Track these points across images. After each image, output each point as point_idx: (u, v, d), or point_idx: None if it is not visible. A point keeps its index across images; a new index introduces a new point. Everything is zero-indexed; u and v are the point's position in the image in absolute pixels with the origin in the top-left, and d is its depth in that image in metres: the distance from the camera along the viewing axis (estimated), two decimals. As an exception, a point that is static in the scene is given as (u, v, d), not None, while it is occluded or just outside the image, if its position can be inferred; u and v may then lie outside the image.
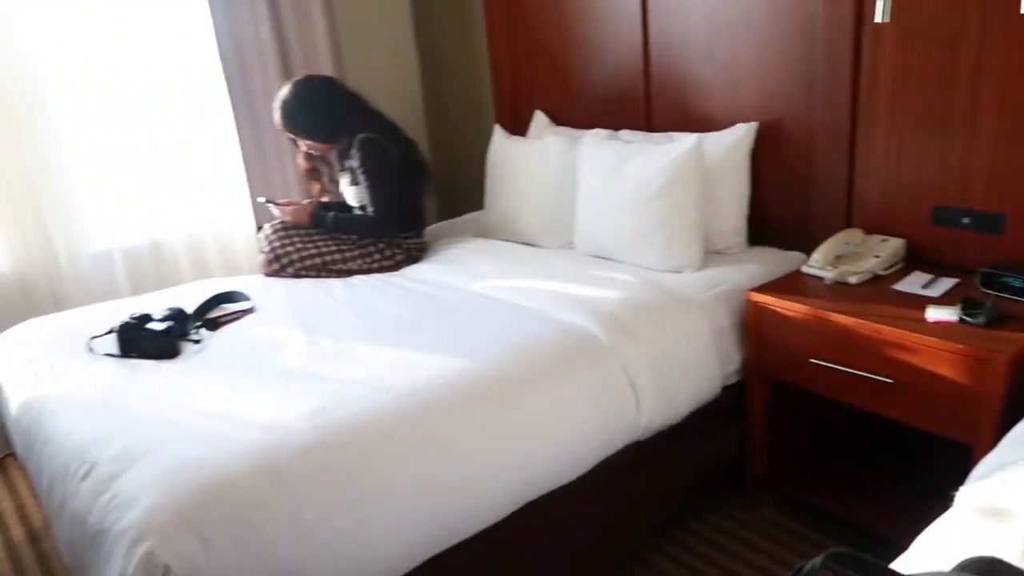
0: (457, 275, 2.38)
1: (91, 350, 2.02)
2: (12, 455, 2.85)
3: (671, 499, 2.11)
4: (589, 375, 1.79)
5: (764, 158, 2.35)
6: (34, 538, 2.37)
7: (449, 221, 3.10)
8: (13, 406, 1.91)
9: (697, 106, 2.50)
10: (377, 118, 2.69)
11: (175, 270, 3.12)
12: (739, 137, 2.32)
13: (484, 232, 2.83)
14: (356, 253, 2.58)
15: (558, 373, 1.76)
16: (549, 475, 1.69)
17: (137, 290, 3.01)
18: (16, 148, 2.70)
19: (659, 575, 1.98)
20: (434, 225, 2.99)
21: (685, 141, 2.27)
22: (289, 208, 2.66)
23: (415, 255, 2.65)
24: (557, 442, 1.70)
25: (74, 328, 2.19)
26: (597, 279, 2.18)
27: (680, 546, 2.07)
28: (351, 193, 2.68)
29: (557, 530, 1.78)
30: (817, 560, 0.67)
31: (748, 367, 2.09)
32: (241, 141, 3.08)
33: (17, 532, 2.41)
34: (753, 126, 2.33)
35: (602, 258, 2.41)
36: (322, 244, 2.57)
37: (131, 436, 1.51)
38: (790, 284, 2.04)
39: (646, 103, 2.65)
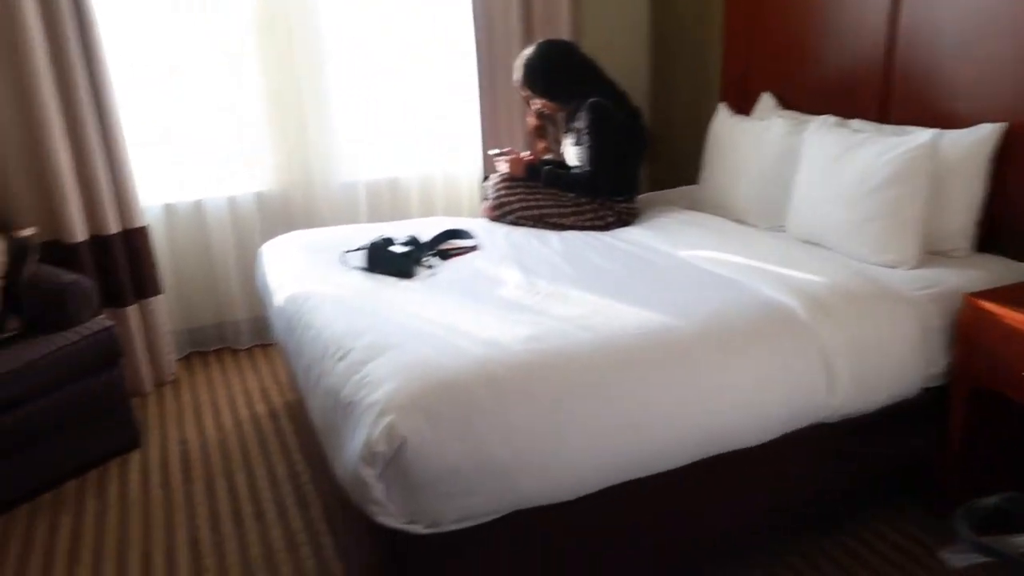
0: (665, 241, 2.49)
1: (343, 262, 2.36)
2: (259, 346, 3.37)
3: (850, 491, 2.12)
4: (784, 348, 1.85)
5: (1009, 162, 2.23)
6: (274, 415, 2.82)
7: (662, 191, 3.20)
8: (278, 298, 2.29)
9: (940, 101, 2.41)
10: (609, 85, 2.84)
11: (406, 205, 3.48)
12: (983, 137, 2.22)
13: (695, 206, 2.91)
14: (571, 210, 2.76)
15: (753, 342, 1.84)
16: (733, 435, 1.79)
17: (373, 218, 3.41)
18: (296, 83, 3.13)
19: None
20: (647, 194, 3.10)
21: (920, 136, 2.21)
22: (509, 157, 2.88)
23: (625, 218, 2.79)
24: (744, 405, 1.79)
25: (328, 242, 2.57)
26: (803, 262, 2.21)
27: (844, 550, 2.05)
28: (572, 153, 2.86)
29: (731, 489, 1.88)
30: (994, 499, 0.74)
31: (955, 372, 2.04)
32: (481, 97, 3.35)
33: (261, 408, 2.87)
34: (1001, 127, 2.22)
35: (813, 243, 2.42)
36: (542, 198, 2.78)
37: (379, 332, 1.79)
38: (1016, 294, 1.96)
39: (883, 94, 2.59)
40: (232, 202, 3.20)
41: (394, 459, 1.48)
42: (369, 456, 1.47)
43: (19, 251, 2.51)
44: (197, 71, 3.05)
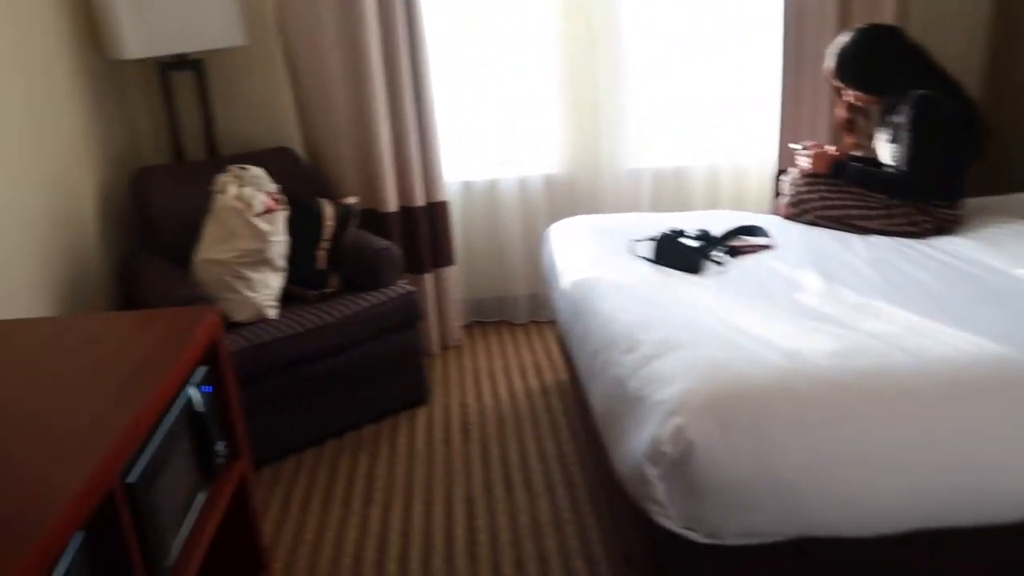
0: (996, 256, 2.17)
1: (630, 250, 2.36)
2: (535, 322, 3.50)
3: None
4: None
5: None
6: (545, 391, 2.92)
7: (994, 197, 2.79)
8: (564, 280, 2.35)
9: None
10: (938, 75, 2.52)
11: (688, 195, 3.39)
12: None
13: (1036, 217, 2.50)
14: (880, 212, 2.51)
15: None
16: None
17: (655, 207, 3.37)
18: (593, 68, 3.17)
19: None
20: (974, 199, 2.73)
21: None
22: (812, 151, 2.67)
23: (945, 226, 2.47)
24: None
25: (615, 229, 2.58)
26: None
27: None
28: (887, 150, 2.58)
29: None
30: None
31: None
32: (783, 84, 3.15)
33: (534, 383, 2.99)
34: None
35: None
36: (847, 197, 2.55)
37: (669, 328, 1.76)
38: None
39: None
40: (523, 183, 3.35)
41: (680, 462, 1.44)
42: (654, 455, 1.45)
43: (344, 217, 2.84)
44: (500, 56, 3.21)
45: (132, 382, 1.35)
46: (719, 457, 1.44)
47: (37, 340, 1.55)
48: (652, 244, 2.30)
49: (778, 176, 3.08)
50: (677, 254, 2.22)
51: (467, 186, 3.37)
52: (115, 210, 2.78)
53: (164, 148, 3.10)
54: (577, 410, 2.61)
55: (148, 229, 2.72)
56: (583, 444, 2.52)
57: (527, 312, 3.52)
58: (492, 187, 3.36)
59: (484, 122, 3.29)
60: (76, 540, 1.07)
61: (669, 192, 3.40)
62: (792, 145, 2.85)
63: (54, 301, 2.30)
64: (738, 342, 1.68)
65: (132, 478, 1.24)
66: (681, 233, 2.30)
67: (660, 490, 1.47)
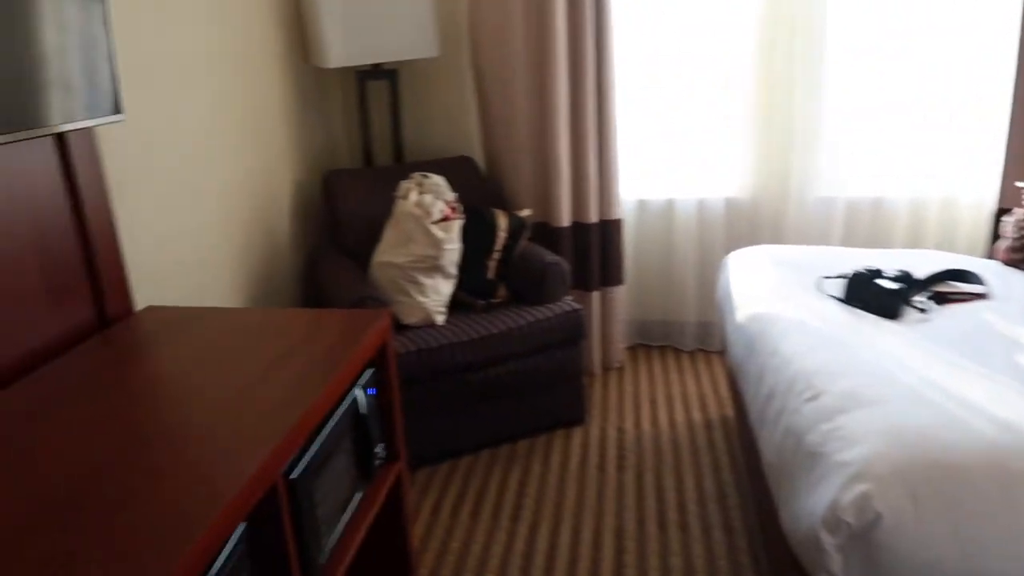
0: None
1: (819, 288, 2.17)
2: (702, 351, 3.34)
3: None
4: None
5: None
6: (708, 425, 2.77)
7: None
8: (741, 314, 2.21)
9: None
10: None
11: (888, 230, 3.10)
12: None
13: None
14: None
15: None
16: None
17: (847, 241, 3.11)
18: (789, 81, 2.98)
19: None
20: None
21: None
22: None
23: None
24: None
25: (801, 262, 2.39)
26: None
27: None
28: None
29: None
30: None
31: None
32: (1013, 109, 2.80)
33: (697, 416, 2.85)
34: None
35: None
36: (1086, 245, 2.22)
37: (858, 378, 1.59)
38: None
39: None
40: (701, 205, 3.21)
41: (862, 534, 1.29)
42: (833, 522, 1.31)
43: (517, 229, 2.85)
44: (689, 70, 3.09)
45: (305, 379, 1.40)
46: (910, 534, 1.27)
47: (228, 329, 1.65)
48: (843, 282, 2.11)
49: (998, 216, 2.74)
50: (872, 296, 2.02)
51: (643, 205, 3.28)
52: (307, 209, 2.96)
53: (355, 153, 3.26)
54: (743, 452, 2.45)
55: (335, 229, 2.87)
56: (747, 489, 2.36)
57: (695, 339, 3.37)
58: (669, 207, 3.25)
59: (666, 139, 3.19)
60: (239, 530, 1.11)
61: (864, 225, 3.13)
62: (1020, 183, 2.52)
63: (247, 290, 2.47)
64: (939, 403, 1.49)
65: (295, 474, 1.27)
66: (878, 273, 2.09)
67: (836, 561, 1.32)
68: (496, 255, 2.75)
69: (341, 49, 2.71)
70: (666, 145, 3.20)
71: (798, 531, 1.41)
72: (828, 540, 1.31)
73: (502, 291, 2.77)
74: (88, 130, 1.65)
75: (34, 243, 1.53)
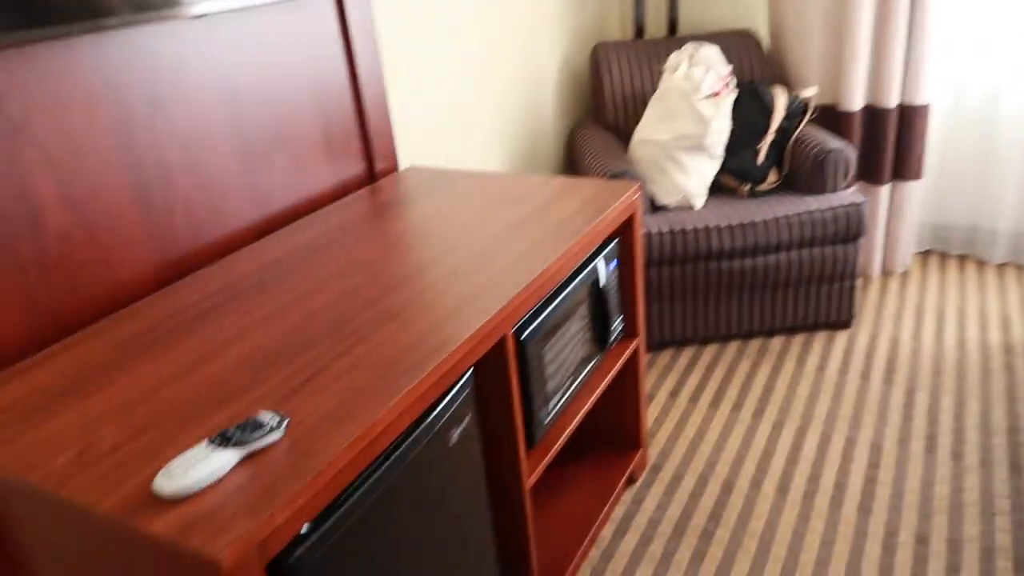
0: None
1: None
2: (1014, 264, 2.84)
3: None
4: None
5: None
6: (1008, 348, 2.37)
7: None
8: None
9: None
10: None
11: None
12: None
13: None
14: None
15: None
16: None
17: None
18: None
19: None
20: None
21: None
22: None
23: None
24: None
25: None
26: None
27: None
28: None
29: None
30: None
31: None
32: None
33: (996, 337, 2.44)
34: None
35: None
36: None
37: None
38: None
39: None
40: (1039, 88, 2.63)
41: None
42: None
43: (796, 109, 2.56)
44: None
45: (545, 243, 1.39)
46: None
47: (479, 191, 1.69)
48: None
49: None
50: None
51: (958, 91, 2.77)
52: (573, 82, 2.91)
53: (627, 24, 3.12)
54: (1049, 382, 2.07)
55: (599, 103, 2.80)
56: (1047, 425, 2.00)
57: (1007, 251, 2.86)
58: (993, 97, 2.71)
59: (1002, 11, 2.63)
60: (466, 375, 1.15)
61: None
62: None
63: (508, 160, 2.52)
64: None
65: (524, 334, 1.29)
66: None
67: None
68: (769, 137, 2.51)
69: (618, -92, 2.54)
70: (1001, 20, 2.63)
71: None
72: None
73: (773, 176, 2.54)
74: (365, -10, 1.73)
75: (315, 99, 1.66)
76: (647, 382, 2.37)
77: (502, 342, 1.21)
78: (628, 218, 1.65)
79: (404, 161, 2.04)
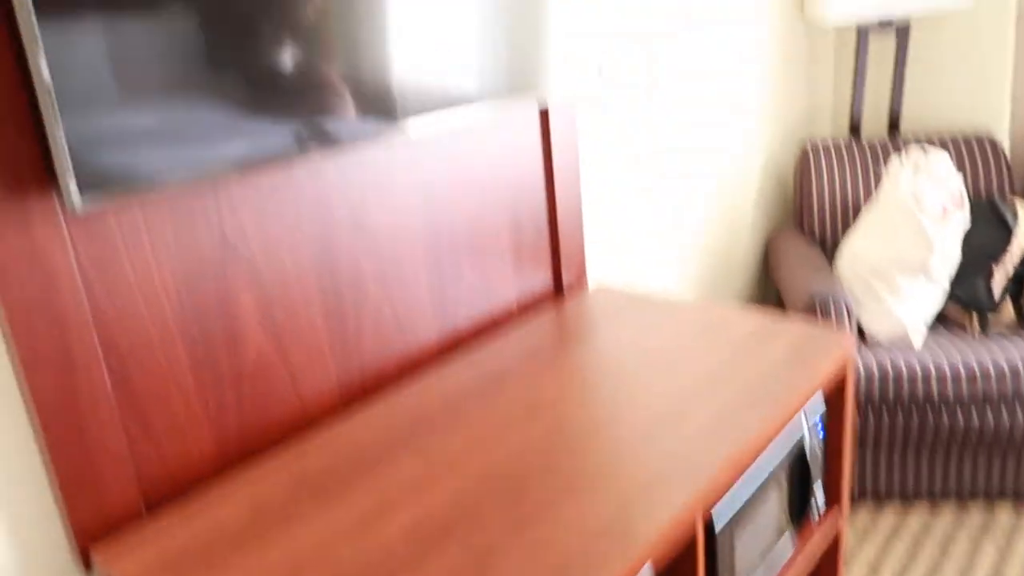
0: None
1: None
2: None
3: None
4: None
5: None
6: None
7: None
8: None
9: None
10: None
11: None
12: None
13: None
14: None
15: None
16: None
17: None
18: None
19: None
20: None
21: None
22: None
23: None
24: None
25: None
26: None
27: None
28: None
29: None
30: None
31: None
32: None
33: None
34: None
35: None
36: None
37: None
38: None
39: None
40: None
41: None
42: None
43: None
44: None
45: (741, 401, 1.24)
46: None
47: (669, 324, 1.56)
48: None
49: None
50: None
51: None
52: (775, 183, 2.72)
53: (840, 121, 2.89)
54: None
55: (803, 207, 2.59)
56: None
57: None
58: None
59: None
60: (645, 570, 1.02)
61: None
62: None
63: (697, 268, 2.37)
64: None
65: (717, 525, 1.14)
66: None
67: None
68: (1008, 263, 2.19)
69: (844, 4, 2.36)
70: None
71: None
72: None
73: (1008, 311, 2.21)
74: (571, 102, 1.68)
75: (509, 206, 1.61)
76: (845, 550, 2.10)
77: (690, 529, 1.07)
78: (840, 373, 1.46)
79: (591, 272, 1.95)
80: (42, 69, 0.83)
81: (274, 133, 1.06)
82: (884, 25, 2.54)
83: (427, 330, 1.48)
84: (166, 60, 0.93)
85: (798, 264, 2.32)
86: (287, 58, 1.06)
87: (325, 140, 1.13)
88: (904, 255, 2.14)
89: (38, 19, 0.82)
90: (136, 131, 0.93)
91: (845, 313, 2.03)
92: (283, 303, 1.25)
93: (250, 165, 1.04)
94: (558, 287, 1.76)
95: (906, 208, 2.16)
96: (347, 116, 1.15)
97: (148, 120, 0.93)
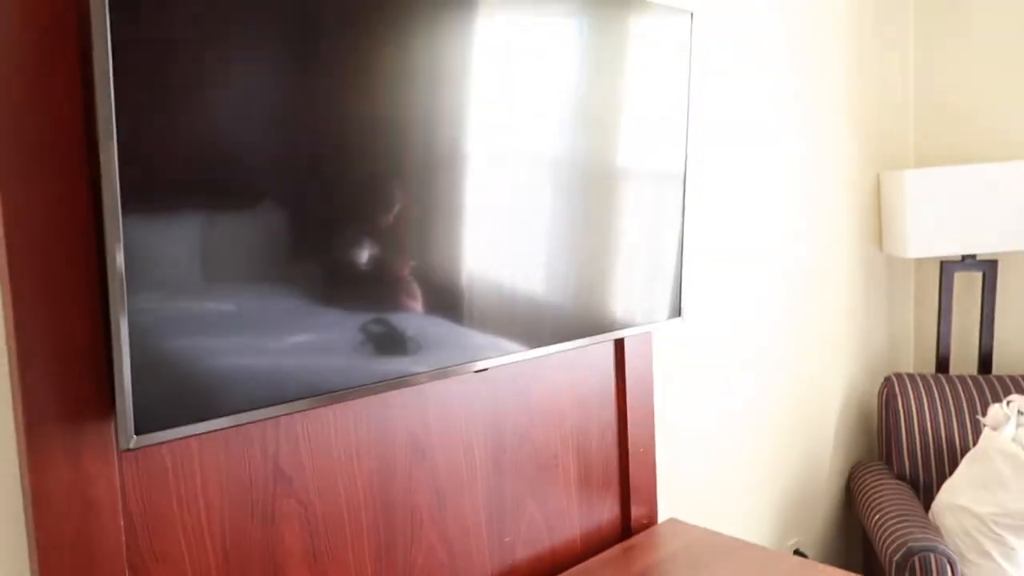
0: None
1: None
2: None
3: None
4: None
5: None
6: None
7: None
8: None
9: None
10: None
11: None
12: None
13: None
14: None
15: None
16: None
17: None
18: None
19: None
20: None
21: None
22: None
23: None
24: None
25: None
26: None
27: None
28: None
29: None
30: None
31: None
32: None
33: None
34: None
35: None
36: None
37: None
38: None
39: None
40: None
41: None
42: None
43: None
44: None
45: None
46: None
47: (739, 571, 1.39)
48: None
49: None
50: None
51: None
52: (857, 415, 2.57)
53: (925, 356, 2.76)
54: None
55: (889, 444, 2.40)
56: None
57: None
58: None
59: None
60: None
61: None
62: None
63: (773, 503, 2.18)
64: None
65: None
66: None
67: None
68: None
69: (927, 238, 2.32)
70: None
71: None
72: None
73: None
74: (647, 332, 1.63)
75: (578, 440, 1.52)
76: None
77: None
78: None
79: (661, 505, 1.81)
80: (121, 327, 0.82)
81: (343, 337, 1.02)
82: (967, 259, 2.48)
83: (483, 570, 1.35)
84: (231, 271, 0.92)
85: (888, 508, 2.11)
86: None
87: (397, 377, 1.09)
88: (1013, 509, 1.92)
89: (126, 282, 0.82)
90: (206, 337, 0.90)
91: (948, 571, 1.81)
92: (331, 544, 1.15)
93: (320, 395, 1.00)
94: (625, 519, 1.62)
95: (1012, 459, 1.97)
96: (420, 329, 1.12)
97: (218, 321, 0.91)
